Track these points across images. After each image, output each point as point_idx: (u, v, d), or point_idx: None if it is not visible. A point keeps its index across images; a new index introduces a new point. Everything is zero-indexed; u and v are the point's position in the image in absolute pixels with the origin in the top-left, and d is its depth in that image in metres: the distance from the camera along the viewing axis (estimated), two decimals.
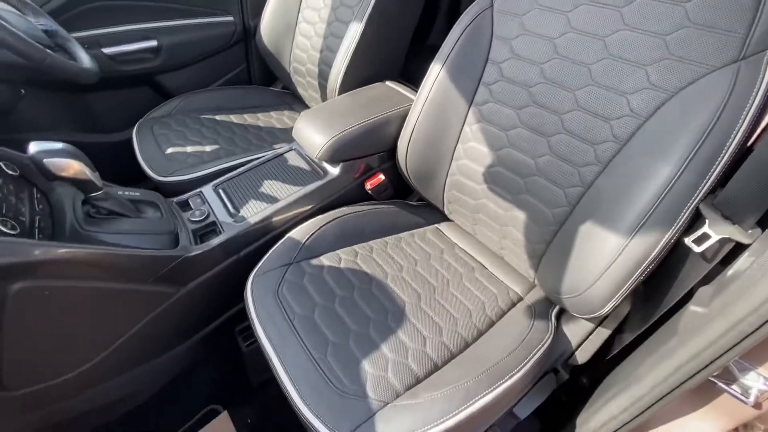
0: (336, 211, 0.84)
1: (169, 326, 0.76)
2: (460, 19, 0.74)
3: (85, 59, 0.85)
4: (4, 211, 0.53)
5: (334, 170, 0.87)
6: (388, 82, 1.01)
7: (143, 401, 0.84)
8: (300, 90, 1.26)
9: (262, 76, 1.43)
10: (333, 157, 0.84)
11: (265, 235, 0.81)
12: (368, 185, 0.90)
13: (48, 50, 0.70)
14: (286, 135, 1.15)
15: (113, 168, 0.94)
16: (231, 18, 1.32)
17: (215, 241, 0.75)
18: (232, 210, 0.80)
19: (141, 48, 1.17)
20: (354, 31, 0.97)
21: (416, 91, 0.81)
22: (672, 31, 0.52)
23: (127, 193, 0.73)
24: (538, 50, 0.65)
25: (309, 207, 0.85)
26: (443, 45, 0.76)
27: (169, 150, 1.01)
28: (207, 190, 0.86)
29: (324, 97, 1.13)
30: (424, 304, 0.70)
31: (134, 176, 1.03)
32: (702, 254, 0.50)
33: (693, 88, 0.50)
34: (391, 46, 1.06)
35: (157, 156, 0.99)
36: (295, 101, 1.33)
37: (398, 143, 0.85)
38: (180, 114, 1.17)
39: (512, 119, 0.69)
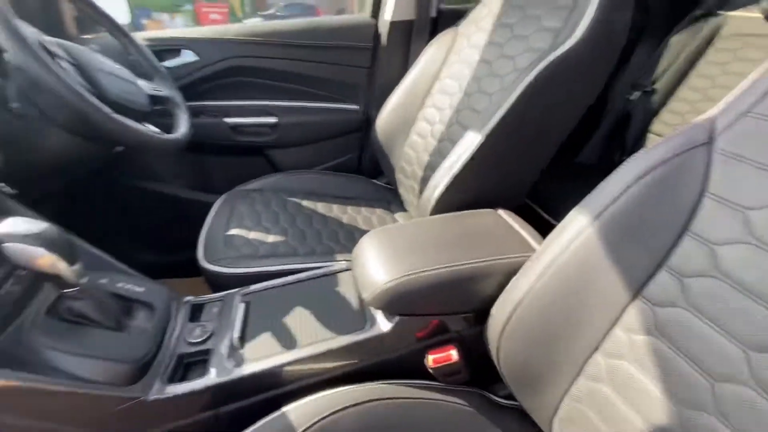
0: (369, 388, 0.54)
1: None
2: (635, 158, 0.44)
3: (180, 131, 0.82)
4: None
5: (384, 324, 0.59)
6: (501, 212, 0.73)
7: None
8: (401, 190, 1.08)
9: (371, 168, 1.32)
10: (390, 307, 0.58)
11: (260, 394, 0.56)
12: (431, 359, 0.59)
13: (116, 114, 0.65)
14: None
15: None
16: (356, 107, 1.27)
17: (191, 386, 0.53)
18: (235, 341, 0.59)
19: (260, 122, 1.17)
20: (470, 141, 0.74)
21: (541, 235, 0.52)
22: None
23: (128, 287, 0.59)
24: None
25: (332, 368, 0.58)
26: (601, 189, 0.45)
27: (233, 231, 0.90)
28: (235, 297, 0.68)
29: (419, 209, 0.91)
30: None
31: None
32: None
33: None
34: (518, 166, 0.80)
35: (218, 234, 0.89)
36: (394, 200, 1.15)
37: (493, 311, 0.54)
38: (270, 191, 1.09)
39: None
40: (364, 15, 1.25)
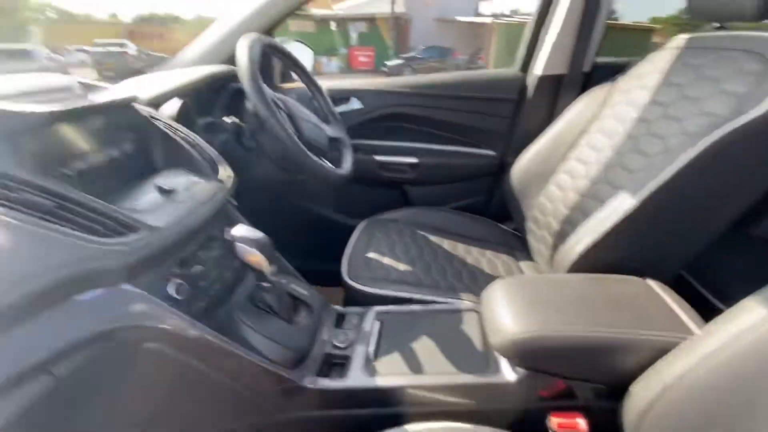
0: None
1: None
2: None
3: (345, 166, 0.99)
4: (193, 270, 0.60)
5: (509, 373, 0.61)
6: (651, 282, 0.67)
7: None
8: (531, 239, 1.07)
9: (498, 212, 1.33)
10: (518, 359, 0.59)
11: (383, 407, 0.63)
12: (555, 422, 0.57)
13: (310, 154, 0.84)
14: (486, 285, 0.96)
15: (341, 249, 1.02)
16: (492, 153, 1.32)
17: (334, 384, 0.63)
18: (370, 354, 0.68)
19: (403, 162, 1.32)
20: (622, 201, 0.71)
21: (699, 313, 0.47)
22: None
23: (298, 289, 0.74)
24: None
25: (452, 402, 0.62)
26: None
27: (371, 254, 1.02)
28: (371, 314, 0.78)
29: (552, 264, 0.90)
30: None
31: None
32: None
33: None
34: (677, 236, 0.73)
35: (359, 255, 1.02)
36: (520, 247, 1.15)
37: (634, 389, 0.51)
38: (404, 223, 1.20)
39: None
40: (513, 69, 1.31)
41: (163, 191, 0.58)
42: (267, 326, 0.65)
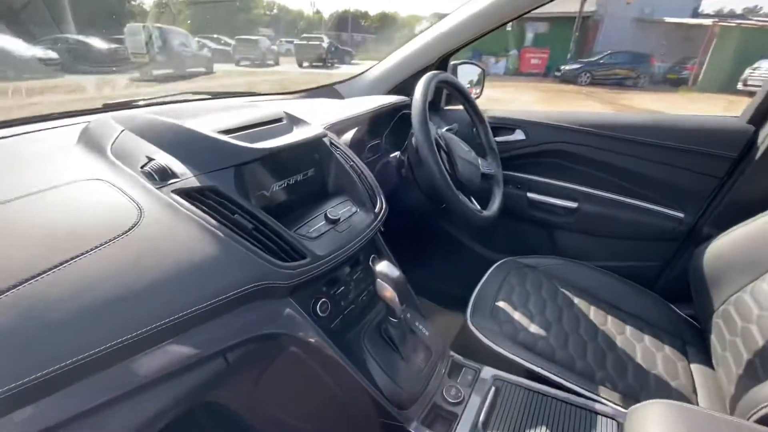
0: None
1: None
2: None
3: (492, 207, 0.95)
4: (337, 291, 0.68)
5: None
6: None
7: None
8: (714, 340, 0.84)
9: (671, 288, 1.09)
10: None
11: None
12: None
13: (460, 195, 0.83)
14: (636, 384, 0.79)
15: (472, 278, 1.01)
16: (680, 215, 1.08)
17: None
18: (480, 426, 0.64)
19: (559, 204, 1.19)
20: None
21: None
22: None
23: (421, 328, 0.75)
24: None
25: None
26: None
27: (501, 303, 0.96)
28: (488, 376, 0.74)
29: (733, 393, 0.68)
30: None
31: None
32: None
33: None
34: None
35: (488, 299, 0.97)
36: (694, 342, 0.91)
37: None
38: (544, 273, 1.09)
39: None
40: (739, 120, 1.02)
41: (329, 220, 0.66)
42: (387, 360, 0.68)
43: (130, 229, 0.47)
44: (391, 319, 0.69)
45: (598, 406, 0.67)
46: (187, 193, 0.54)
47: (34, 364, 0.35)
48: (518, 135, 1.22)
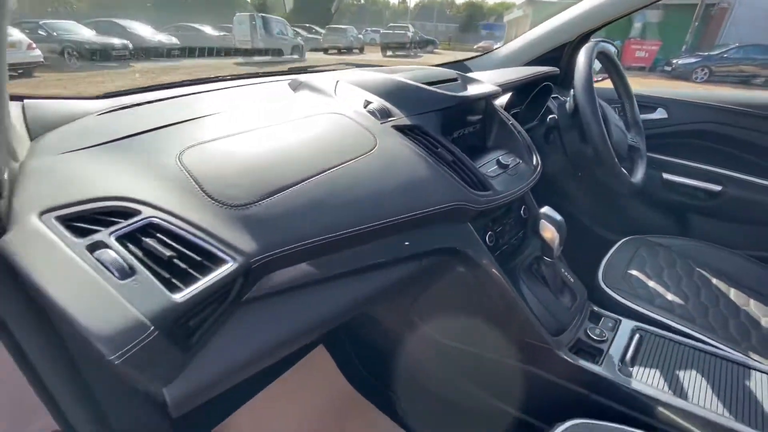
0: None
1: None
2: None
3: (638, 176, 0.98)
4: (498, 229, 0.78)
5: None
6: None
7: None
8: None
9: None
10: None
11: (613, 400, 0.66)
12: None
13: (615, 156, 0.88)
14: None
15: (589, 259, 1.04)
16: None
17: (585, 365, 0.70)
18: (628, 359, 0.71)
19: (701, 186, 1.16)
20: None
21: None
22: None
23: (568, 276, 0.83)
24: None
25: None
26: None
27: (632, 270, 0.99)
28: (627, 324, 0.80)
29: None
30: None
31: None
32: None
33: None
34: None
35: (619, 266, 1.00)
36: None
37: None
38: (677, 253, 1.08)
39: None
40: None
41: (501, 165, 0.77)
42: (539, 292, 0.77)
43: (371, 150, 0.61)
44: (546, 259, 0.77)
45: (749, 362, 0.70)
46: (401, 129, 0.67)
47: (333, 227, 0.49)
48: (659, 114, 1.21)
